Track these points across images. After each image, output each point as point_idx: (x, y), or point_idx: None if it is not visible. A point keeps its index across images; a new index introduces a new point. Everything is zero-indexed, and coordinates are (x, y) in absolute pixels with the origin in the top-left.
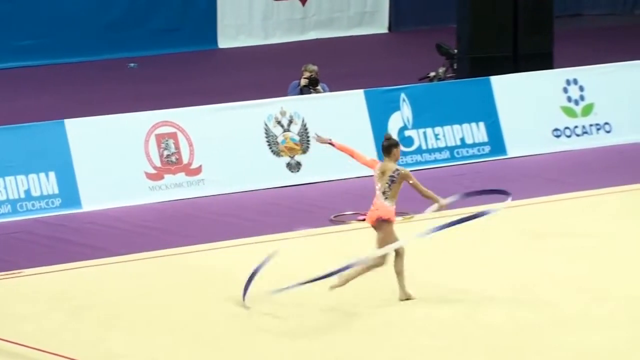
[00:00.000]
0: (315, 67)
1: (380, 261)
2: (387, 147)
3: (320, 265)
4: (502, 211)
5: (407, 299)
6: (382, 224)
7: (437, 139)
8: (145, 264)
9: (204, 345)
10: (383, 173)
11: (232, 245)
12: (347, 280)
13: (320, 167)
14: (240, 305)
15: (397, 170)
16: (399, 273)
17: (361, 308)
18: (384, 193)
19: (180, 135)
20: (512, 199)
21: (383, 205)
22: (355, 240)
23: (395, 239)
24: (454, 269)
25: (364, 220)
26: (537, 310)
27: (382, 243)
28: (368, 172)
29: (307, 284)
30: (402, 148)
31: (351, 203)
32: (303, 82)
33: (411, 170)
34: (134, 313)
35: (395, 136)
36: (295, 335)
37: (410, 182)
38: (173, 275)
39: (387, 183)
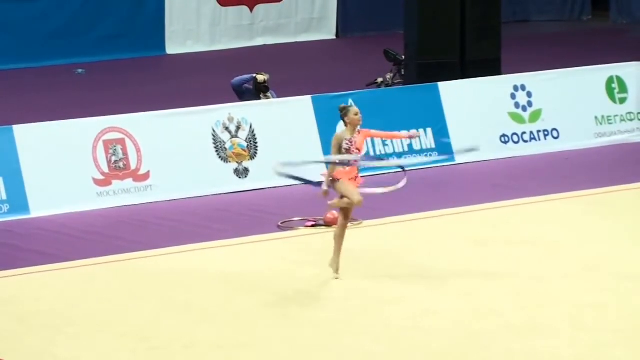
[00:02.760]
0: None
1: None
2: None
3: (269, 271)
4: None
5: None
6: None
7: (384, 144)
8: (93, 270)
9: (152, 350)
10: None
11: (180, 251)
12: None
13: (267, 173)
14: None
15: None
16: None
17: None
18: None
19: (128, 141)
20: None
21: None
22: (303, 246)
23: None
24: (398, 275)
25: (312, 226)
26: (481, 317)
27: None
28: (316, 177)
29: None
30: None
31: (299, 209)
32: (261, 78)
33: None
34: (81, 318)
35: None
36: (235, 347)
37: None
38: (121, 281)
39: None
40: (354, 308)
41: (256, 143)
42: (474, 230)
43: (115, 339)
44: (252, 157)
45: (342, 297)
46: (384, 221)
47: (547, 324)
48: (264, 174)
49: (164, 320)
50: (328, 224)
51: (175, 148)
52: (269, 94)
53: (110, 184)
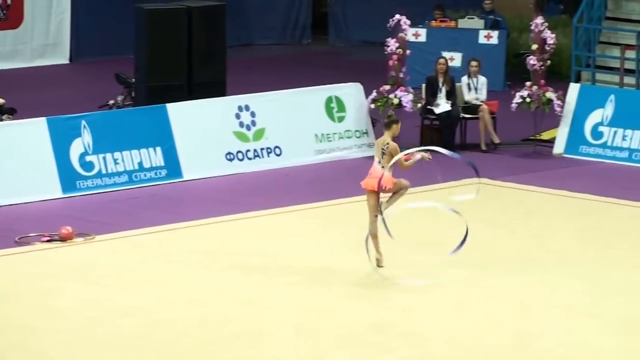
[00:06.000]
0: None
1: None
2: (387, 123)
3: (8, 285)
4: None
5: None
6: (376, 192)
7: (116, 163)
8: None
9: None
10: (377, 145)
11: None
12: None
13: (2, 191)
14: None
15: (387, 143)
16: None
17: None
18: (379, 162)
19: None
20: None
21: (384, 175)
22: (39, 260)
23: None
24: (132, 287)
25: (47, 241)
26: (209, 326)
27: (374, 209)
28: (51, 195)
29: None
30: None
31: (34, 226)
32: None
33: (89, 194)
34: None
35: (77, 163)
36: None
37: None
38: None
39: (380, 154)
40: (90, 319)
41: None
42: (203, 242)
43: None
44: None
45: (78, 308)
46: (116, 235)
47: (272, 330)
48: None
49: None
50: (62, 239)
51: None
52: (12, 117)
53: None
